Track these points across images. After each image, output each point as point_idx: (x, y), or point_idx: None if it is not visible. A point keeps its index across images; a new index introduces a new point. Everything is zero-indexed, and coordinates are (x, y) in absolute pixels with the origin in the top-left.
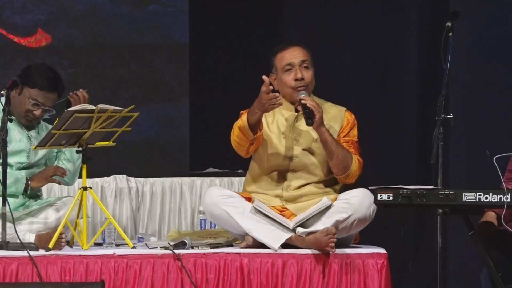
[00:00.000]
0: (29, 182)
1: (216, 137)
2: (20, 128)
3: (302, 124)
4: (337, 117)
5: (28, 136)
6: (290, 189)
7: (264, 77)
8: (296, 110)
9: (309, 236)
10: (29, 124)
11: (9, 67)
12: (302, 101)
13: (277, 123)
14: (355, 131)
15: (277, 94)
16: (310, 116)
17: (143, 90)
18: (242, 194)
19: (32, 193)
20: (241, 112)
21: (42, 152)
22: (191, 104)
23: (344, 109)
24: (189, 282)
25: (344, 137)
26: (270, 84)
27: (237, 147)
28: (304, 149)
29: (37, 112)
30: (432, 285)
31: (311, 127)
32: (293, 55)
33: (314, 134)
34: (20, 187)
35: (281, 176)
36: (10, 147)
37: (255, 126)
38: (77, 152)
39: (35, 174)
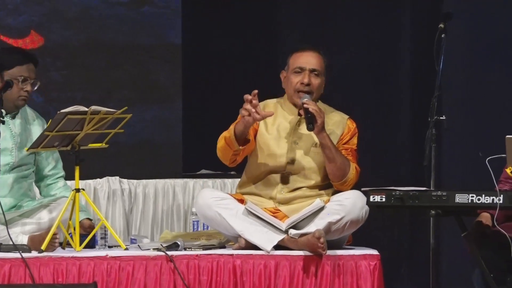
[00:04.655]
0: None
1: (209, 138)
2: (5, 125)
3: (303, 128)
4: (339, 124)
5: (12, 134)
6: (284, 192)
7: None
8: (299, 114)
9: (301, 238)
10: (23, 105)
11: None
12: (305, 105)
13: (278, 126)
14: (355, 140)
15: (248, 97)
16: (311, 121)
17: (137, 92)
18: (235, 196)
19: (24, 195)
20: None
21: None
22: (184, 106)
23: (346, 117)
24: (182, 284)
25: (343, 144)
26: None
27: (220, 156)
28: (302, 153)
29: (28, 88)
30: (425, 286)
31: (312, 132)
32: (307, 60)
33: (315, 139)
34: None
35: (277, 179)
36: None
37: (241, 138)
38: (69, 153)
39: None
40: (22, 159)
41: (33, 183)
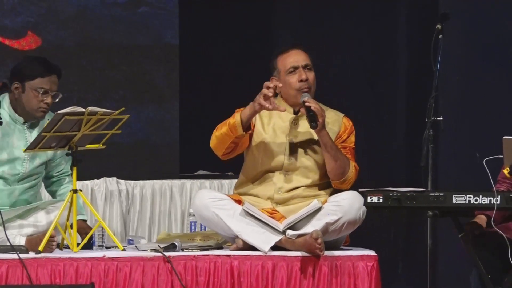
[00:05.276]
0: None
1: (206, 139)
2: (21, 134)
3: (300, 126)
4: (334, 122)
5: (26, 144)
6: (282, 192)
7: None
8: (295, 113)
9: (299, 239)
10: (42, 117)
11: None
12: (306, 104)
13: (273, 125)
14: (352, 138)
15: (267, 86)
16: (314, 119)
17: (133, 92)
18: (232, 196)
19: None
20: (236, 110)
21: (39, 160)
22: (181, 106)
23: (342, 115)
24: (179, 285)
25: (341, 143)
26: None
27: (216, 145)
28: (299, 152)
29: (48, 100)
30: (422, 287)
31: (308, 130)
32: (297, 58)
33: (311, 137)
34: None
35: (275, 178)
36: (5, 155)
37: (246, 124)
38: (67, 154)
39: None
40: (33, 170)
41: (39, 189)
